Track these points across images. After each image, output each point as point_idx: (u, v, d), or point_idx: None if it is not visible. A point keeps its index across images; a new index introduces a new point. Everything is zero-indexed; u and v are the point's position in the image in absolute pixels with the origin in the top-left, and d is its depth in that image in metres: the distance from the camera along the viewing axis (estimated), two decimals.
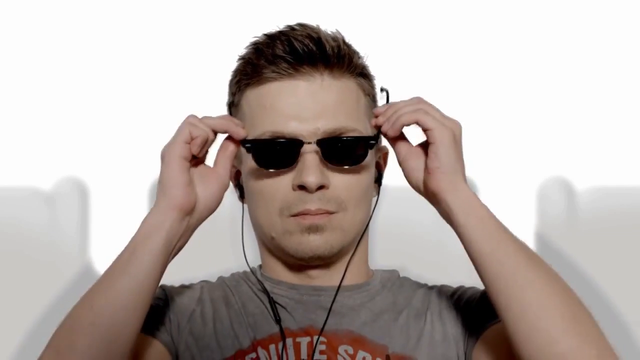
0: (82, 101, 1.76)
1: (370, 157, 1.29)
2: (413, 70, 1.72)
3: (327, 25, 1.29)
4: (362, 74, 1.31)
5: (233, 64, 1.33)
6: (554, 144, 1.75)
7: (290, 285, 1.31)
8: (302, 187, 1.24)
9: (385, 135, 1.23)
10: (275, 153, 1.24)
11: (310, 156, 1.23)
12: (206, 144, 1.20)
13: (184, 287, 1.35)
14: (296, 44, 1.25)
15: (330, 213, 1.25)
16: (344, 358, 1.24)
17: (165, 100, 1.75)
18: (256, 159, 1.25)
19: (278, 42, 1.26)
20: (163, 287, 1.30)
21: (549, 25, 1.76)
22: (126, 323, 1.12)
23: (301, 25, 1.28)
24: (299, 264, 1.30)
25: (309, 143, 1.23)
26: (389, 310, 1.30)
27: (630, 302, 1.70)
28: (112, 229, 1.72)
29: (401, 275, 1.39)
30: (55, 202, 1.74)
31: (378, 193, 1.34)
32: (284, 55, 1.25)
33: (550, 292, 1.12)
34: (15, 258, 1.71)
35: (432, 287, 1.37)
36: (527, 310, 1.11)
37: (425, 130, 1.19)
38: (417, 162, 1.22)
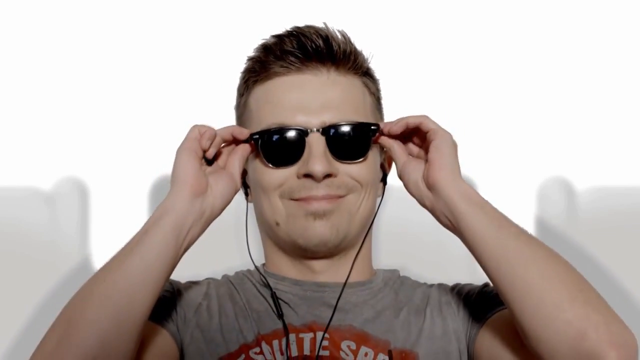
0: (83, 101, 1.76)
1: (375, 151, 1.30)
2: (416, 71, 1.73)
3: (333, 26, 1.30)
4: (367, 73, 1.33)
5: (235, 66, 1.34)
6: (554, 144, 1.75)
7: (294, 281, 1.31)
8: (307, 176, 1.25)
9: (388, 135, 1.26)
10: (282, 143, 1.25)
11: (316, 145, 1.25)
12: (214, 141, 1.21)
13: (191, 283, 1.36)
14: (304, 40, 1.28)
15: (340, 197, 1.27)
16: (346, 354, 1.25)
17: (165, 101, 1.75)
18: (263, 149, 1.26)
19: (287, 39, 1.29)
20: (170, 281, 1.31)
21: (550, 26, 1.77)
22: (137, 300, 1.12)
23: (308, 25, 1.30)
24: (303, 254, 1.30)
25: (314, 131, 1.24)
26: (391, 308, 1.31)
27: (630, 301, 1.70)
28: (112, 229, 1.72)
29: (401, 275, 1.40)
30: (55, 202, 1.74)
31: (383, 193, 1.36)
32: (292, 50, 1.28)
33: (553, 267, 1.14)
34: (15, 258, 1.71)
35: (431, 286, 1.38)
36: (532, 285, 1.12)
37: (427, 132, 1.23)
38: (416, 167, 1.25)
